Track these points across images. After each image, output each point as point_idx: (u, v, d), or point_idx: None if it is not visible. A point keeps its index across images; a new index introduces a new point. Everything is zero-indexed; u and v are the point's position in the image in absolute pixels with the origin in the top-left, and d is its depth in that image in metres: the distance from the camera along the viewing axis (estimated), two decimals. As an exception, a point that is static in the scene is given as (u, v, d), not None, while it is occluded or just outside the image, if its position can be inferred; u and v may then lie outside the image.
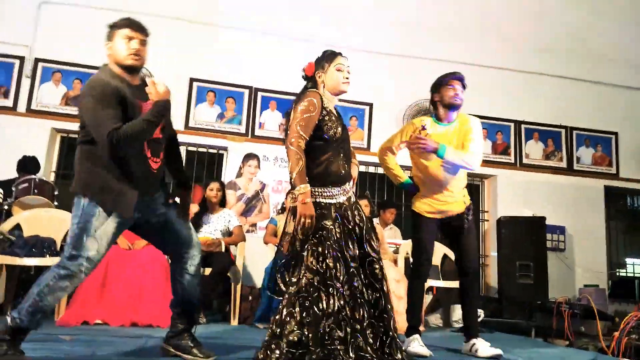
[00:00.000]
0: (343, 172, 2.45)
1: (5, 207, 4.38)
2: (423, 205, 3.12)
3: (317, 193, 2.38)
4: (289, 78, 6.09)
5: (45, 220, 4.13)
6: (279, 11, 6.28)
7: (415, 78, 6.45)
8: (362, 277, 2.35)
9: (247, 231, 5.59)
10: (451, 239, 3.24)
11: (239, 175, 5.93)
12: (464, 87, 3.17)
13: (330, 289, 2.22)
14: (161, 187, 2.49)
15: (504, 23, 6.83)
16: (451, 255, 4.98)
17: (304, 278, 2.25)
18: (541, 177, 6.57)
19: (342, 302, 2.23)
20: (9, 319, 2.21)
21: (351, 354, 2.16)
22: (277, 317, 2.25)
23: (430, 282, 4.65)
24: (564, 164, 6.74)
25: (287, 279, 2.32)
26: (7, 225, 4.03)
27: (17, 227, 4.10)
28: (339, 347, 2.14)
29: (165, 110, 2.31)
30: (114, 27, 2.37)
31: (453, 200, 3.11)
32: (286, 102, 6.14)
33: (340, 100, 2.64)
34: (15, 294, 4.28)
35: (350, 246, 2.36)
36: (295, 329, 2.18)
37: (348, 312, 2.24)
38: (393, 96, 6.36)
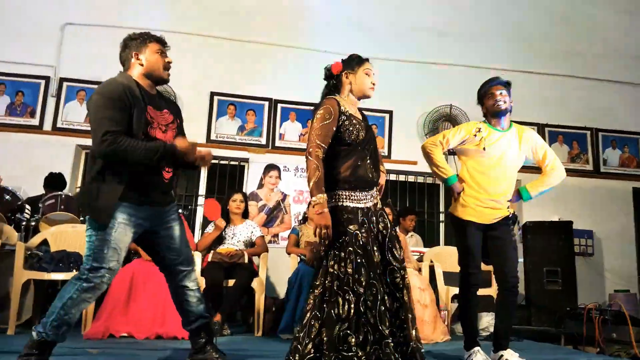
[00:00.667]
0: (370, 176, 2.43)
1: (33, 223, 4.48)
2: (468, 211, 2.99)
3: (344, 196, 2.37)
4: (308, 89, 6.18)
5: (71, 236, 4.20)
6: (297, 23, 6.33)
7: (434, 84, 6.45)
8: (384, 285, 2.33)
9: (269, 242, 5.60)
10: (490, 248, 3.04)
11: (260, 186, 5.96)
12: (507, 87, 3.09)
13: (348, 294, 2.21)
14: (170, 201, 2.51)
15: (527, 26, 6.78)
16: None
17: (326, 282, 2.26)
18: (567, 180, 6.35)
19: (362, 308, 2.21)
20: (34, 334, 2.24)
21: None
22: (304, 320, 2.27)
23: (456, 290, 4.56)
24: (590, 167, 6.61)
25: (313, 283, 2.33)
26: (35, 241, 4.11)
27: (45, 242, 4.18)
28: (359, 353, 2.14)
29: (171, 156, 2.31)
30: (145, 39, 2.43)
31: (500, 206, 2.99)
32: (306, 112, 6.17)
33: (359, 108, 2.63)
34: (43, 308, 4.36)
35: (375, 253, 2.34)
36: (321, 330, 2.20)
37: (370, 319, 2.22)
38: (413, 103, 6.33)
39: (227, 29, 6.17)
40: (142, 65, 2.42)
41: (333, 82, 2.57)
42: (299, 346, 2.22)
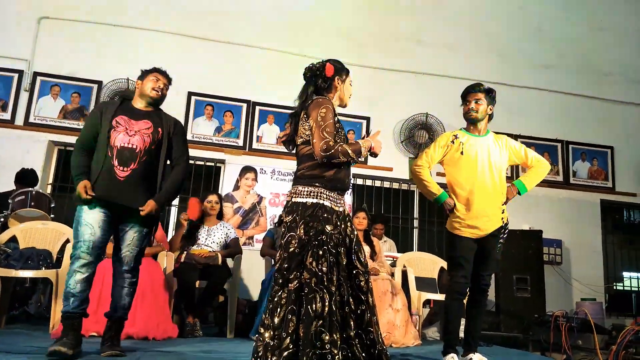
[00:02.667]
0: (346, 180, 2.48)
1: (2, 219, 4.37)
2: (459, 226, 3.03)
3: (324, 196, 2.38)
4: (287, 92, 6.18)
5: (41, 233, 4.13)
6: (277, 27, 6.34)
7: (411, 93, 6.54)
8: (349, 287, 2.34)
9: (244, 244, 5.58)
10: (475, 254, 3.07)
11: (236, 188, 5.94)
12: (488, 94, 3.14)
13: (323, 291, 2.21)
14: (140, 199, 2.82)
15: (502, 39, 6.93)
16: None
17: (302, 278, 2.25)
18: (537, 190, 6.56)
19: (334, 307, 2.23)
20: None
21: None
22: (278, 314, 2.22)
23: (427, 295, 4.64)
24: (560, 178, 6.77)
25: (286, 277, 2.28)
26: (3, 237, 4.03)
27: (13, 239, 4.09)
28: (333, 351, 2.14)
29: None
30: (148, 72, 3.06)
31: (493, 217, 3.04)
32: (284, 115, 6.17)
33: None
34: (11, 306, 4.26)
35: (343, 255, 2.35)
36: (298, 325, 2.19)
37: (339, 318, 2.24)
38: (390, 110, 6.40)
39: (207, 30, 6.15)
40: (138, 88, 3.05)
41: (322, 84, 2.56)
42: (276, 341, 2.18)
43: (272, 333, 2.21)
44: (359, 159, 2.45)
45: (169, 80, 3.10)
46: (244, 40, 6.21)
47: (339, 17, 6.53)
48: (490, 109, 3.18)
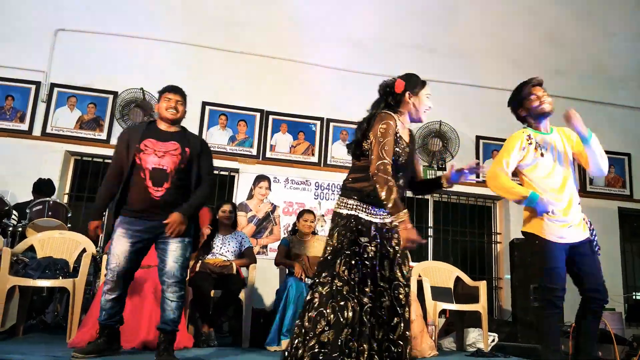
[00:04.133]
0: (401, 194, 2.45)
1: (20, 229, 4.42)
2: (549, 228, 2.78)
3: (361, 208, 2.42)
4: (300, 101, 6.22)
5: (58, 242, 4.16)
6: (290, 36, 6.37)
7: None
8: (387, 298, 2.35)
9: (258, 253, 5.58)
10: (572, 263, 2.81)
11: (250, 197, 5.96)
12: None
13: (354, 301, 2.26)
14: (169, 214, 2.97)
15: (515, 45, 6.88)
16: (464, 278, 4.95)
17: (334, 285, 2.29)
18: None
19: (365, 318, 2.26)
20: None
21: None
22: (309, 314, 2.28)
23: (443, 305, 4.60)
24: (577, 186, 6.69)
25: (319, 281, 2.34)
26: (21, 247, 4.07)
27: (31, 248, 4.13)
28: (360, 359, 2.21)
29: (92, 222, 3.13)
30: (160, 93, 3.19)
31: (579, 219, 2.83)
32: (297, 124, 6.20)
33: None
34: (28, 315, 4.29)
35: (385, 266, 2.39)
36: (325, 329, 2.22)
37: (367, 330, 2.27)
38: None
39: (220, 40, 6.20)
40: (156, 111, 3.26)
41: (392, 100, 2.56)
42: (304, 339, 2.24)
43: (302, 331, 2.28)
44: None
45: (182, 96, 3.17)
46: (257, 50, 6.25)
47: (351, 26, 6.54)
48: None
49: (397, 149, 2.43)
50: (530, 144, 2.88)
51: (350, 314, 2.23)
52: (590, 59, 7.05)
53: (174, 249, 2.98)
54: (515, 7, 6.98)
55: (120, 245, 2.95)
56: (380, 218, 2.44)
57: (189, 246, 3.06)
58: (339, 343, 2.18)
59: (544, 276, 2.78)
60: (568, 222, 2.82)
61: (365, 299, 2.28)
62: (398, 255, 2.43)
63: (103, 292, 3.01)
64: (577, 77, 6.94)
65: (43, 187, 4.91)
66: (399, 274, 2.40)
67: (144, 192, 2.96)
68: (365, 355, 2.22)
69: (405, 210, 2.27)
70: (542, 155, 2.86)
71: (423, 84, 2.62)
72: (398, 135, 2.45)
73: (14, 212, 4.54)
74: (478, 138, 6.60)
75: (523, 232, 2.96)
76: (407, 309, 2.38)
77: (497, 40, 6.87)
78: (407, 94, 2.56)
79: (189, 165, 3.06)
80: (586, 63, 7.03)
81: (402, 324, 2.34)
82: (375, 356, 2.25)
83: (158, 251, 3.03)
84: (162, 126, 3.14)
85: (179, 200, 3.00)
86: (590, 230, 2.92)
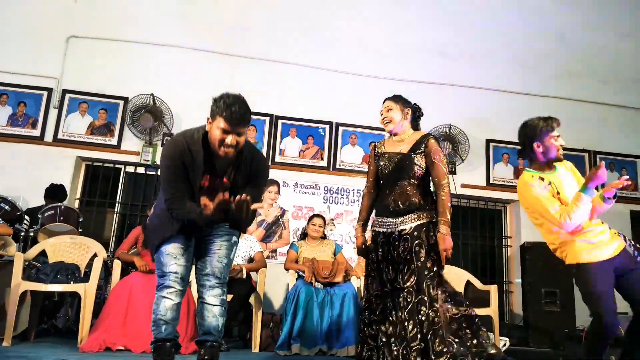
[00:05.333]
0: (393, 205, 2.77)
1: (31, 234, 4.46)
2: (590, 250, 2.66)
3: (375, 222, 2.85)
4: (309, 106, 6.23)
5: (70, 247, 4.20)
6: (300, 41, 6.39)
7: (433, 104, 6.48)
8: (391, 300, 2.69)
9: (267, 257, 5.58)
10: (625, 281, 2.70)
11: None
12: None
13: (368, 303, 2.75)
14: (224, 220, 2.51)
15: (524, 48, 6.84)
16: (475, 282, 4.92)
17: (366, 293, 2.87)
18: (565, 202, 6.47)
19: (372, 317, 2.74)
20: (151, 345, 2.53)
21: None
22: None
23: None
24: (588, 189, 6.63)
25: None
26: (33, 252, 4.10)
27: (43, 253, 4.17)
28: (373, 355, 2.69)
29: (200, 221, 2.44)
30: (217, 109, 2.41)
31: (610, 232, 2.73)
32: (306, 129, 6.21)
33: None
34: (40, 319, 4.32)
35: (390, 271, 2.71)
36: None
37: (374, 327, 2.71)
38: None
39: (229, 45, 6.22)
40: (209, 130, 2.44)
41: None
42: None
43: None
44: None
45: (247, 124, 2.43)
46: (266, 55, 6.27)
47: (361, 30, 6.54)
48: None
49: (380, 164, 2.91)
50: (544, 187, 2.74)
51: (366, 313, 2.81)
52: (602, 61, 6.99)
53: (218, 248, 2.56)
54: (525, 9, 6.94)
55: (173, 243, 2.49)
56: (385, 227, 2.79)
57: (236, 247, 2.66)
58: (361, 340, 2.81)
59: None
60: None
61: (373, 300, 2.76)
62: (403, 262, 2.68)
63: (158, 296, 2.48)
64: (589, 79, 6.89)
65: (55, 192, 4.96)
66: (400, 279, 2.67)
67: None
68: (379, 352, 2.67)
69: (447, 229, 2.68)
70: (558, 193, 2.75)
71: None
72: (379, 153, 2.96)
73: (26, 217, 4.58)
74: (488, 141, 6.56)
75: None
76: (403, 312, 2.61)
77: (507, 42, 6.82)
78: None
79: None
80: (598, 65, 6.96)
81: (397, 326, 2.62)
82: (385, 351, 2.61)
83: (199, 252, 2.60)
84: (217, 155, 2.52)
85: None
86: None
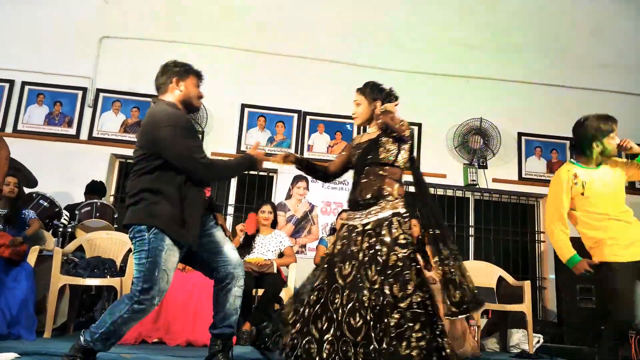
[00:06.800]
0: (359, 198, 2.60)
1: (69, 229, 4.60)
2: (613, 250, 2.72)
3: (346, 215, 2.76)
4: (336, 101, 6.22)
5: (106, 242, 4.31)
6: (328, 37, 6.39)
7: (464, 97, 6.42)
8: (344, 297, 2.39)
9: (297, 252, 5.62)
10: None
11: (289, 197, 6.00)
12: None
13: (308, 287, 2.58)
14: (209, 209, 2.63)
15: (557, 39, 6.69)
16: (507, 277, 4.85)
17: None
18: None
19: (309, 309, 2.47)
20: (82, 340, 2.32)
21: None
22: None
23: (485, 305, 4.52)
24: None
25: None
26: (71, 247, 4.23)
27: (80, 248, 4.29)
28: (312, 347, 2.39)
29: (251, 168, 2.66)
30: (187, 70, 2.65)
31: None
32: (334, 124, 6.21)
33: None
34: (78, 313, 4.45)
35: (346, 266, 2.47)
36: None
37: (305, 314, 2.47)
38: (442, 116, 6.31)
39: (257, 43, 6.26)
40: (180, 91, 2.59)
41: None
42: None
43: None
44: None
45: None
46: (293, 51, 6.28)
47: (388, 25, 6.50)
48: None
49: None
50: (576, 184, 2.82)
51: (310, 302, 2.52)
52: (637, 52, 6.78)
53: (222, 237, 2.55)
54: (557, 0, 6.79)
55: (173, 257, 2.37)
56: (351, 220, 2.63)
57: None
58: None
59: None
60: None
61: (314, 291, 2.53)
62: (367, 258, 2.44)
63: (130, 316, 2.30)
64: (624, 71, 6.70)
65: (96, 189, 5.09)
66: (364, 276, 2.40)
67: (202, 194, 2.51)
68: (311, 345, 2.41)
69: None
70: (582, 194, 2.82)
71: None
72: (354, 144, 2.85)
73: (66, 213, 4.72)
74: (520, 135, 6.44)
75: None
76: (369, 311, 2.31)
77: (539, 34, 6.70)
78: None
79: None
80: (633, 56, 6.77)
81: (363, 325, 2.31)
82: (315, 346, 2.38)
83: (205, 246, 2.51)
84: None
85: None
86: None
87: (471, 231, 6.35)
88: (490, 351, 4.81)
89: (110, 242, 4.33)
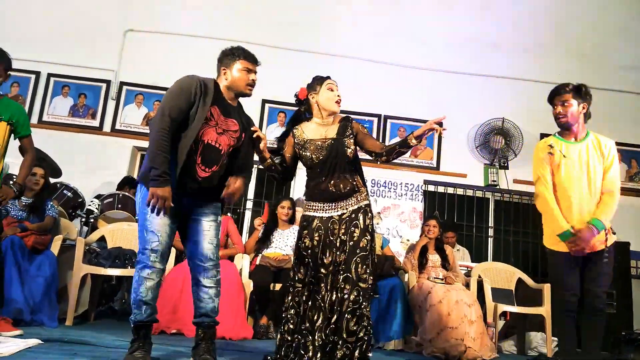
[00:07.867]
0: (332, 189, 2.71)
1: (92, 220, 4.67)
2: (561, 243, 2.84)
3: (307, 206, 2.77)
4: (358, 98, 6.21)
5: (127, 233, 4.36)
6: (347, 34, 6.38)
7: (486, 97, 6.36)
8: (329, 282, 2.58)
9: (315, 249, 5.63)
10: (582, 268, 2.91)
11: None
12: (576, 92, 2.94)
13: (291, 288, 2.66)
14: (214, 200, 2.63)
15: (582, 40, 6.58)
16: (526, 279, 4.80)
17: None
18: (624, 200, 6.12)
19: (296, 300, 2.62)
20: (131, 323, 2.54)
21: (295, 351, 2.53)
22: None
23: (504, 307, 4.48)
24: (649, 186, 6.34)
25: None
26: (93, 237, 4.29)
27: (102, 238, 4.35)
28: (288, 338, 2.58)
29: (157, 181, 2.37)
30: (235, 55, 2.63)
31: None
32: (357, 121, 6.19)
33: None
34: (99, 302, 4.53)
35: (327, 255, 2.62)
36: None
37: (301, 312, 2.60)
38: (463, 115, 6.24)
39: (278, 39, 6.28)
40: (227, 80, 2.64)
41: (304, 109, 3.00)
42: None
43: None
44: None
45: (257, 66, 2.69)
46: (313, 47, 6.29)
47: (412, 23, 6.46)
48: (584, 108, 2.94)
49: (304, 153, 2.82)
50: (551, 154, 2.92)
51: (288, 298, 2.66)
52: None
53: (207, 228, 2.58)
54: (583, 1, 6.68)
55: (160, 219, 2.42)
56: (320, 212, 2.70)
57: (220, 226, 2.68)
58: (281, 325, 2.65)
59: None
60: None
61: (298, 285, 2.64)
62: (345, 245, 2.60)
63: (141, 279, 2.46)
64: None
65: (130, 183, 5.16)
66: (338, 260, 2.59)
67: (190, 167, 2.46)
68: (297, 336, 2.56)
69: None
70: (558, 166, 2.90)
71: (321, 80, 2.97)
72: (303, 140, 2.86)
73: (97, 202, 4.76)
74: (542, 136, 6.34)
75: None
76: (339, 292, 2.52)
77: (563, 34, 6.60)
78: (310, 97, 2.92)
79: (237, 150, 2.66)
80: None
81: (338, 306, 2.50)
82: (309, 337, 2.51)
83: (187, 231, 2.60)
84: (227, 96, 2.64)
85: (218, 186, 2.58)
86: None
87: (490, 232, 6.29)
88: (507, 353, 4.77)
89: (131, 233, 4.37)
